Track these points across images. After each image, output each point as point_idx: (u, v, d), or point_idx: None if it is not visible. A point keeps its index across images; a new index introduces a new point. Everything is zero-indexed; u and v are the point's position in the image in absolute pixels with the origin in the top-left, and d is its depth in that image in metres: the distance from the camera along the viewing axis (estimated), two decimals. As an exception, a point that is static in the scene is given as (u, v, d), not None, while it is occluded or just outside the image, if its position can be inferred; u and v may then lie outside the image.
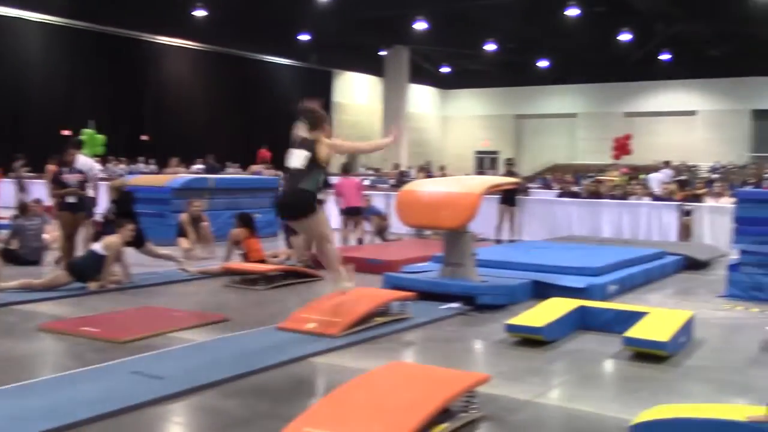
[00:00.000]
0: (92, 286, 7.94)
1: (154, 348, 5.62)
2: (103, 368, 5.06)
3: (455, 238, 7.72)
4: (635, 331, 5.66)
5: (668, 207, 13.01)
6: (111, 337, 5.90)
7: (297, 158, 6.11)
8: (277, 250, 11.01)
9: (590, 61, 37.90)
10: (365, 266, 9.94)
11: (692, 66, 38.73)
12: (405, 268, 9.09)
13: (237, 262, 9.48)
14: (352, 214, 12.41)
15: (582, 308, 6.57)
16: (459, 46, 35.42)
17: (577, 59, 37.81)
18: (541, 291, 7.94)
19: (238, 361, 5.24)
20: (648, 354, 5.54)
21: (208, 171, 19.26)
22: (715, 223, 12.59)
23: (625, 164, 25.08)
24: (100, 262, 7.99)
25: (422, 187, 8.03)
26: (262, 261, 9.63)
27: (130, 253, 8.95)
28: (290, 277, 9.02)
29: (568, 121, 43.67)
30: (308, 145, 6.16)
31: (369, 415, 3.72)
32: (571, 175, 27.51)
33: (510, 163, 14.23)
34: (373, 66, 36.84)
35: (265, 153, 24.10)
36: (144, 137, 26.89)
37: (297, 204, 6.11)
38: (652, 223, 12.93)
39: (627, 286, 8.68)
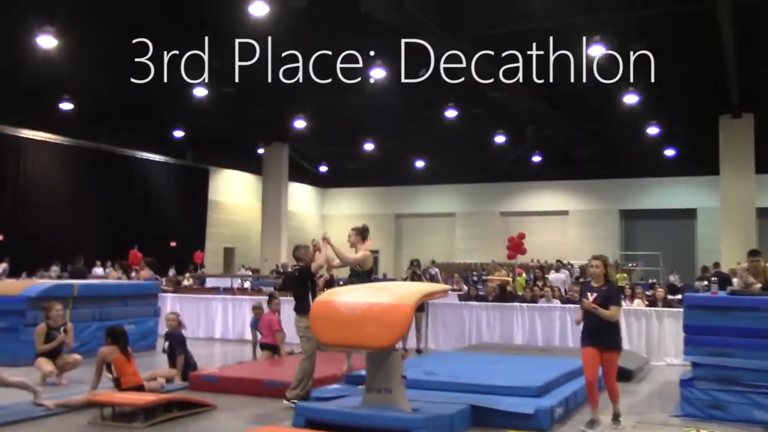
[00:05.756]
0: None
1: None
2: None
3: (381, 358, 6.45)
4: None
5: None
6: None
7: None
8: (155, 370, 9.30)
9: (467, 161, 38.33)
10: (264, 389, 8.49)
11: (562, 167, 39.90)
12: (314, 392, 7.69)
13: (107, 391, 7.76)
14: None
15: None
16: (338, 144, 34.99)
17: (454, 159, 38.16)
18: (481, 417, 6.77)
19: None
20: None
21: (74, 276, 17.21)
22: (632, 326, 11.92)
23: (508, 263, 24.81)
24: None
25: (342, 296, 6.73)
26: (140, 387, 7.96)
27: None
28: (174, 408, 7.39)
29: (447, 220, 43.81)
30: None
31: None
32: (458, 275, 27.00)
33: (415, 264, 13.21)
34: (251, 163, 35.74)
35: (136, 254, 22.09)
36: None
37: None
38: (567, 327, 12.12)
39: (571, 407, 7.63)
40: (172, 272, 24.35)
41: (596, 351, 6.85)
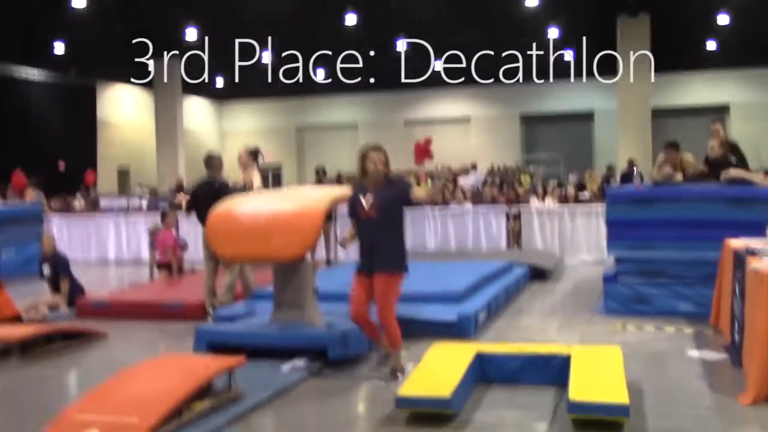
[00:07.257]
0: None
1: None
2: None
3: (290, 271, 5.81)
4: (580, 391, 4.09)
5: (496, 211, 11.92)
6: None
7: None
8: (36, 298, 8.37)
9: (369, 70, 37.39)
10: (161, 312, 7.75)
11: (463, 73, 39.49)
12: (217, 312, 7.03)
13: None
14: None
15: (479, 356, 4.94)
16: (234, 54, 33.46)
17: (356, 68, 37.12)
18: (402, 327, 6.23)
19: None
20: (598, 421, 3.99)
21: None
22: (544, 226, 11.69)
23: (415, 171, 24.36)
24: None
25: (242, 206, 5.97)
26: (17, 318, 7.10)
27: None
28: (58, 340, 6.58)
29: (350, 131, 43.04)
30: None
31: None
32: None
33: (320, 172, 12.54)
34: (141, 78, 33.68)
35: (20, 176, 20.45)
36: None
37: None
38: (480, 230, 11.79)
39: (493, 310, 7.24)
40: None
41: (367, 277, 5.22)
